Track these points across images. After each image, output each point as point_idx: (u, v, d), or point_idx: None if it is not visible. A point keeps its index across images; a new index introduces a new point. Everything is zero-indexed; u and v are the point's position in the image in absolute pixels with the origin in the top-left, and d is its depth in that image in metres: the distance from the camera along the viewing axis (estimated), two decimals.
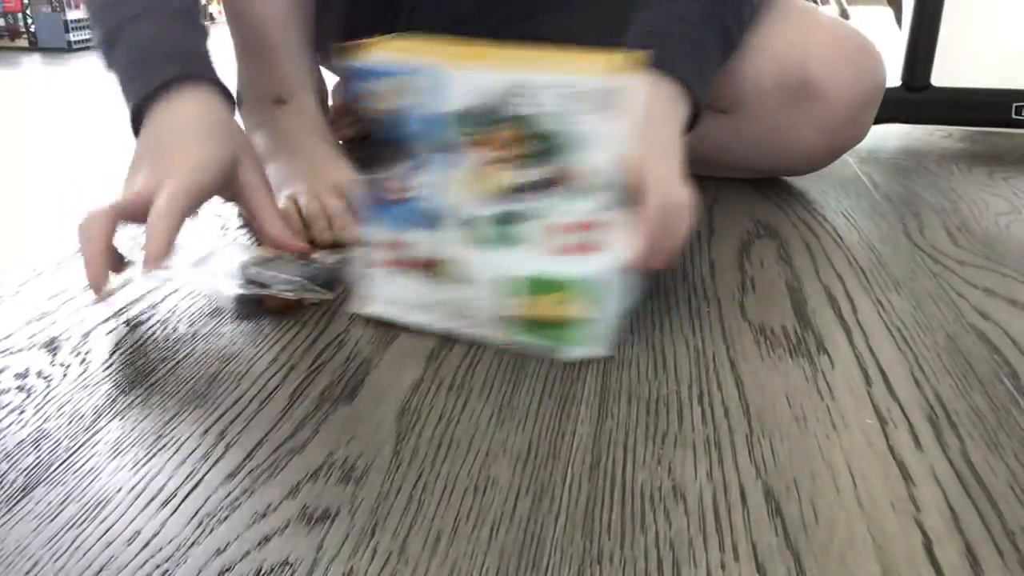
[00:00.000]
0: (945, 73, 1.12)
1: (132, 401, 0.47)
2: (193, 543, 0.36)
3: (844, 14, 2.51)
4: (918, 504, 0.38)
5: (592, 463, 0.41)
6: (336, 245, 0.68)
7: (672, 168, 0.57)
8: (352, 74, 0.53)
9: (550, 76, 0.49)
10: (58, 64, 1.99)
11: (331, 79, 1.10)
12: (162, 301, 0.60)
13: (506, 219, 0.52)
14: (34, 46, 2.33)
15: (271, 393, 0.48)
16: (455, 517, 0.38)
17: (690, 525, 0.37)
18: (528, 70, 0.50)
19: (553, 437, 0.44)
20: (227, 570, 0.34)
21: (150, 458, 0.42)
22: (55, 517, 0.38)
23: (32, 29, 2.32)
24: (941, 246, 0.72)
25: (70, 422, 0.45)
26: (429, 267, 0.54)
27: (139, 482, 0.40)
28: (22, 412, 0.46)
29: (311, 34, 0.81)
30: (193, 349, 0.53)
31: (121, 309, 0.59)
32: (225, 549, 0.35)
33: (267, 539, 0.36)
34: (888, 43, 0.90)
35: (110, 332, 0.56)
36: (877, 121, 1.02)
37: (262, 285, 0.58)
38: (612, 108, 0.49)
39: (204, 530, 0.37)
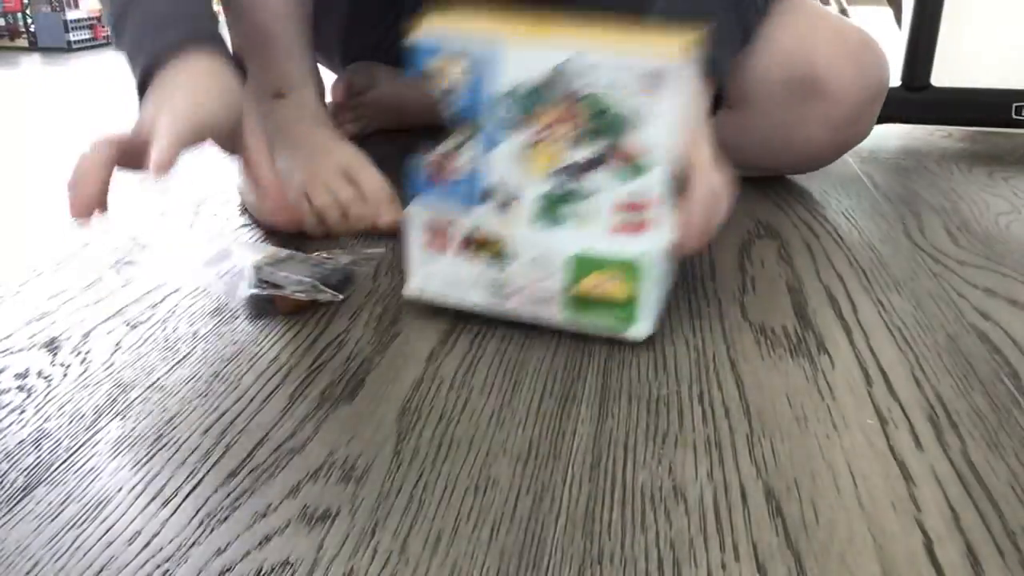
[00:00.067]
0: (945, 73, 1.12)
1: (132, 401, 0.47)
2: (193, 543, 0.36)
3: (844, 13, 2.51)
4: (919, 504, 0.38)
5: (592, 463, 0.41)
6: (354, 235, 0.69)
7: (709, 152, 0.57)
8: (410, 50, 0.53)
9: (608, 54, 0.49)
10: (58, 64, 1.99)
11: (329, 78, 1.10)
12: (162, 301, 0.60)
13: (558, 197, 0.52)
14: (34, 46, 2.33)
15: (271, 393, 0.48)
16: (455, 517, 0.38)
17: (690, 525, 0.37)
18: (586, 47, 0.50)
19: (553, 437, 0.44)
20: (227, 570, 0.34)
21: (150, 458, 0.42)
22: (56, 517, 0.38)
23: (32, 29, 2.32)
24: (941, 246, 0.72)
25: (70, 422, 0.45)
26: (480, 246, 0.53)
27: (139, 482, 0.40)
28: (22, 412, 0.46)
29: (310, 32, 0.81)
30: (193, 349, 0.53)
31: (121, 309, 0.59)
32: (225, 549, 0.35)
33: (267, 539, 0.36)
34: (888, 43, 0.90)
35: (110, 332, 0.56)
36: (877, 121, 1.02)
37: (274, 286, 0.58)
38: (668, 88, 0.49)
39: (204, 530, 0.37)
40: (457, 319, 0.57)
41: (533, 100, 0.51)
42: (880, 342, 0.54)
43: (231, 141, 0.63)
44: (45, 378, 0.50)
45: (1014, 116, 1.06)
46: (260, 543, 0.36)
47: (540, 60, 0.50)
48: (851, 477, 0.40)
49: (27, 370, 0.51)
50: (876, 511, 0.38)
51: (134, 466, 0.41)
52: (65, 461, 0.42)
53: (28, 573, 0.34)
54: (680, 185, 0.53)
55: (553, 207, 0.52)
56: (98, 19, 2.36)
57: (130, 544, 0.36)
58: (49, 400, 0.47)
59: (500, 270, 0.53)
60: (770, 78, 0.80)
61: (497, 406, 0.47)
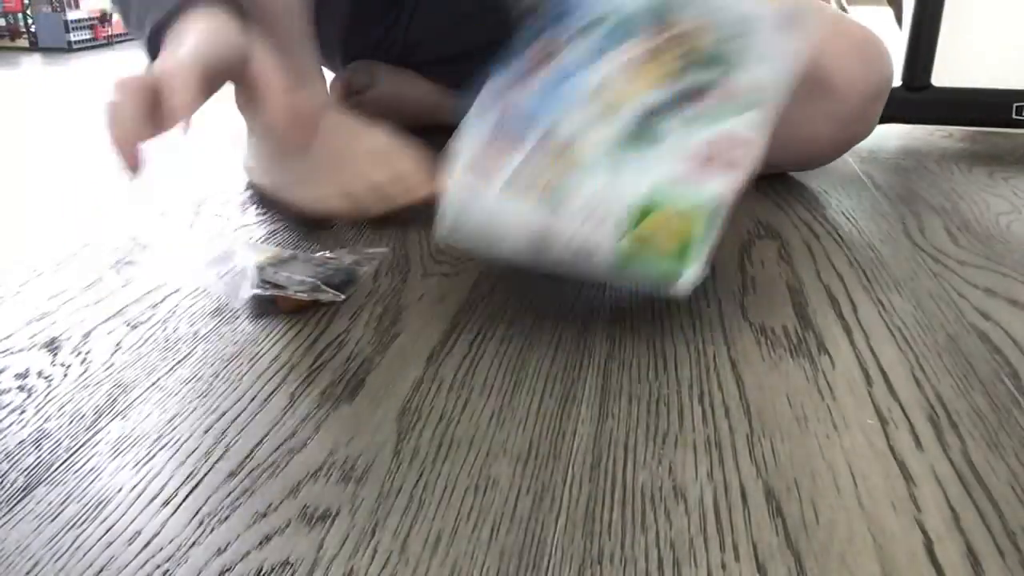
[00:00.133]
0: (945, 73, 1.12)
1: (132, 401, 0.47)
2: (193, 543, 0.36)
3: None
4: (919, 504, 0.38)
5: (592, 463, 0.41)
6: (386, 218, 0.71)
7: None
8: None
9: None
10: (58, 64, 1.99)
11: (328, 78, 1.10)
12: (162, 301, 0.60)
13: (648, 121, 0.49)
14: (34, 46, 2.33)
15: (271, 393, 0.48)
16: (455, 517, 0.38)
17: (690, 525, 0.37)
18: None
19: (553, 437, 0.44)
20: (227, 570, 0.34)
21: (150, 458, 0.42)
22: (56, 517, 0.38)
23: (32, 29, 2.32)
24: (942, 246, 0.72)
25: (71, 422, 0.45)
26: (532, 184, 0.49)
27: (139, 482, 0.40)
28: (23, 412, 0.46)
29: (312, 28, 0.81)
30: (194, 349, 0.53)
31: (121, 309, 0.59)
32: (225, 549, 0.35)
33: (267, 539, 0.36)
34: (888, 43, 0.90)
35: (110, 332, 0.56)
36: (878, 121, 1.02)
37: (276, 286, 0.58)
38: (792, 34, 0.48)
39: (204, 530, 0.37)
40: (457, 319, 0.57)
41: (651, 20, 0.48)
42: (880, 342, 0.54)
43: (243, 76, 0.61)
44: (45, 378, 0.50)
45: (1014, 116, 1.06)
46: (260, 543, 0.36)
47: None
48: (851, 477, 0.40)
49: (27, 370, 0.51)
50: (876, 511, 0.38)
51: (134, 466, 0.41)
52: (65, 461, 0.42)
53: (28, 573, 0.34)
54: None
55: (640, 130, 0.48)
56: (98, 19, 2.36)
57: (130, 544, 0.36)
58: (49, 400, 0.47)
59: (551, 212, 0.48)
60: None
61: (497, 406, 0.47)
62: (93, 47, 2.32)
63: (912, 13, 1.11)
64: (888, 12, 1.48)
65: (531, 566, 0.35)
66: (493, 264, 0.65)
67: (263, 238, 0.73)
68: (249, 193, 0.86)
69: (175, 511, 0.38)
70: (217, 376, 0.50)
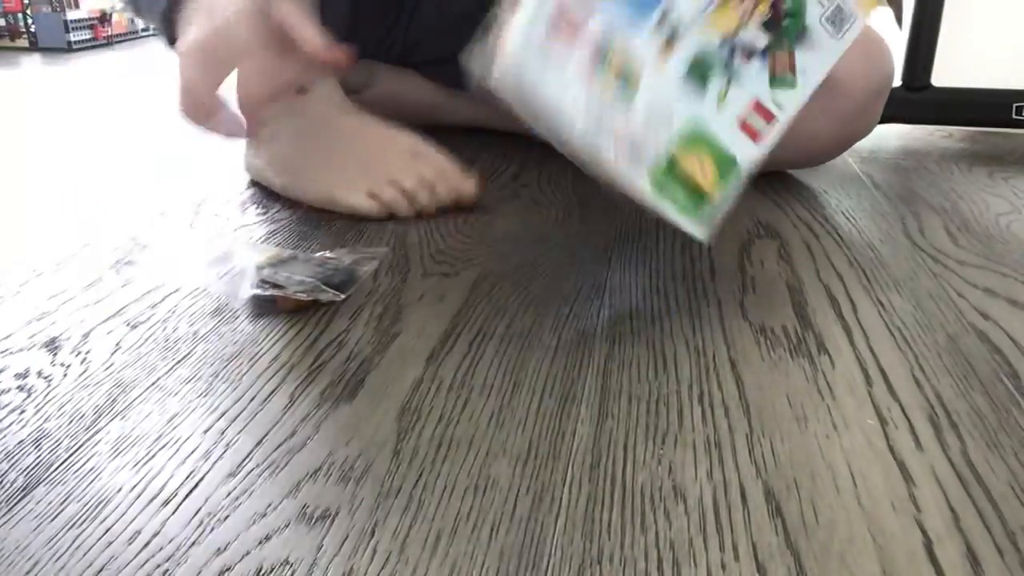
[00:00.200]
0: (945, 73, 1.12)
1: (132, 401, 0.47)
2: (193, 543, 0.36)
3: None
4: (918, 504, 0.38)
5: (592, 463, 0.41)
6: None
7: None
8: None
9: None
10: (58, 64, 1.99)
11: None
12: (162, 301, 0.60)
13: (715, 63, 0.50)
14: (34, 46, 2.33)
15: (271, 393, 0.48)
16: (455, 517, 0.38)
17: (690, 525, 0.37)
18: None
19: (553, 437, 0.44)
20: (227, 569, 0.34)
21: (150, 458, 0.42)
22: (55, 517, 0.38)
23: (32, 29, 2.32)
24: (941, 246, 0.72)
25: (70, 422, 0.45)
26: (613, 65, 0.48)
27: (139, 482, 0.40)
28: (22, 412, 0.46)
29: None
30: (194, 349, 0.53)
31: (121, 309, 0.59)
32: (225, 549, 0.35)
33: (267, 538, 0.36)
34: (888, 43, 0.90)
35: (110, 332, 0.56)
36: (878, 121, 1.02)
37: (276, 286, 0.58)
38: (851, 33, 0.50)
39: (204, 530, 0.37)
40: (457, 319, 0.57)
41: None
42: (880, 342, 0.54)
43: (270, 25, 0.62)
44: (45, 378, 0.50)
45: (1014, 116, 1.06)
46: (260, 543, 0.36)
47: None
48: (851, 477, 0.40)
49: (27, 370, 0.51)
50: (876, 511, 0.38)
51: (134, 466, 0.41)
52: (65, 461, 0.42)
53: (28, 573, 0.34)
54: None
55: (705, 70, 0.49)
56: (98, 19, 2.36)
57: (130, 544, 0.36)
58: (49, 400, 0.47)
59: (621, 99, 0.48)
60: None
61: (497, 406, 0.47)
62: (93, 47, 2.32)
63: (912, 13, 1.11)
64: (888, 12, 1.48)
65: (531, 566, 0.35)
66: (494, 260, 0.65)
67: (263, 238, 0.73)
68: (250, 193, 0.86)
69: (175, 511, 0.38)
70: (217, 376, 0.50)
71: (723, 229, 0.76)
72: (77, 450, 0.43)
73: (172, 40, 0.66)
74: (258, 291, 0.58)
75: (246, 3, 0.59)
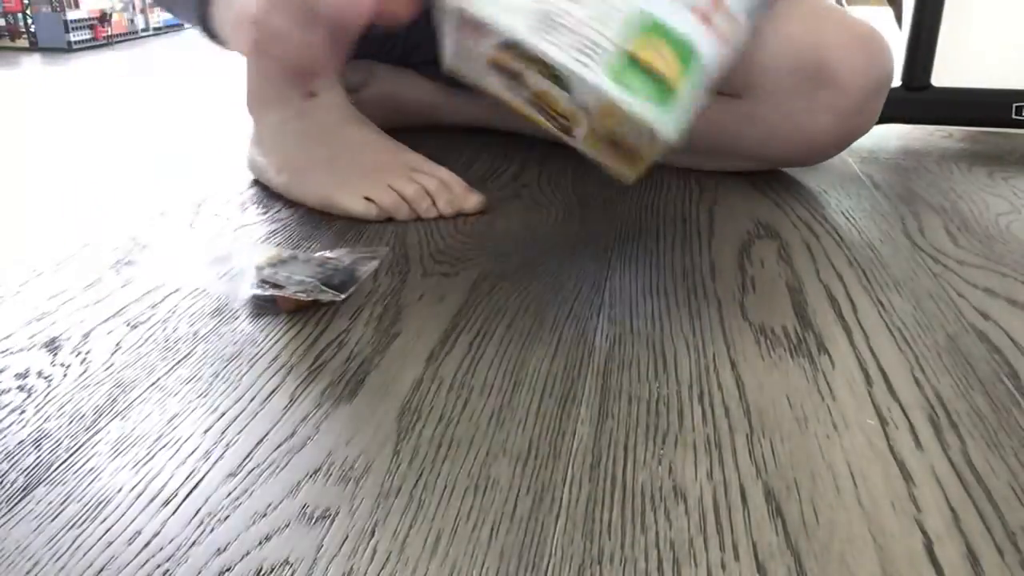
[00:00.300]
0: (945, 73, 1.12)
1: (132, 401, 0.47)
2: (193, 543, 0.36)
3: None
4: (918, 504, 0.38)
5: (592, 463, 0.41)
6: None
7: None
8: None
9: None
10: (58, 64, 1.99)
11: None
12: (162, 301, 0.60)
13: None
14: (34, 46, 2.33)
15: (271, 393, 0.48)
16: (455, 517, 0.38)
17: (690, 525, 0.37)
18: None
19: (553, 437, 0.44)
20: (227, 569, 0.34)
21: (150, 458, 0.42)
22: (56, 517, 0.38)
23: (32, 29, 2.32)
24: (941, 246, 0.72)
25: (71, 422, 0.45)
26: None
27: (139, 482, 0.40)
28: (22, 412, 0.46)
29: None
30: (194, 349, 0.53)
31: (121, 309, 0.59)
32: (225, 549, 0.35)
33: (267, 538, 0.36)
34: (888, 41, 0.90)
35: (110, 332, 0.56)
36: (878, 121, 1.02)
37: (276, 286, 0.58)
38: None
39: (204, 530, 0.37)
40: (457, 319, 0.57)
41: None
42: (880, 342, 0.54)
43: None
44: (45, 378, 0.50)
45: (1014, 116, 1.06)
46: (260, 543, 0.36)
47: None
48: (851, 477, 0.40)
49: (27, 370, 0.51)
50: (876, 511, 0.38)
51: (134, 466, 0.41)
52: (65, 461, 0.42)
53: (28, 573, 0.34)
54: None
55: None
56: (98, 19, 2.36)
57: (130, 544, 0.36)
58: (49, 400, 0.47)
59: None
60: (779, 67, 0.81)
61: (497, 406, 0.47)
62: (93, 47, 2.32)
63: (912, 13, 1.11)
64: (888, 12, 1.48)
65: (531, 566, 0.35)
66: (492, 261, 0.65)
67: (263, 238, 0.73)
68: (251, 193, 0.86)
69: (175, 511, 0.38)
70: (217, 376, 0.50)
71: (723, 229, 0.76)
72: (77, 450, 0.43)
73: (205, 23, 0.68)
74: (258, 291, 0.59)
75: None
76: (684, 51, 0.50)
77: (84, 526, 0.37)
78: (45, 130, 1.21)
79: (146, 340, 0.55)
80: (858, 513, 0.38)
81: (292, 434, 0.44)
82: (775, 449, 0.43)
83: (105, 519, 0.37)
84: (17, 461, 0.42)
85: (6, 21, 2.35)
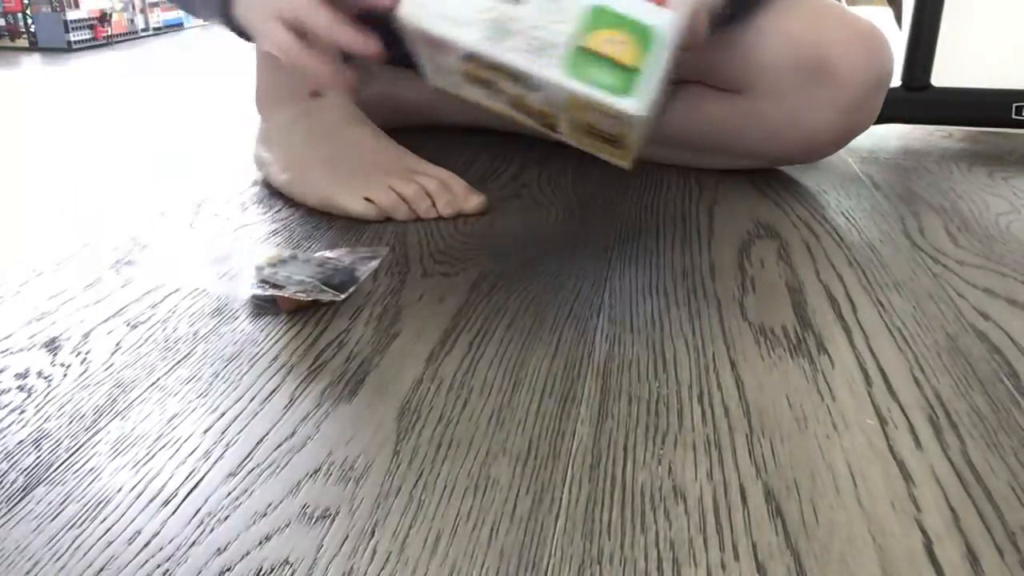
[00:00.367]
0: (945, 73, 1.12)
1: (132, 401, 0.47)
2: (193, 543, 0.36)
3: None
4: (918, 504, 0.38)
5: (592, 463, 0.41)
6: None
7: None
8: None
9: None
10: (58, 64, 1.99)
11: None
12: (162, 301, 0.60)
13: None
14: (34, 46, 2.33)
15: (271, 393, 0.48)
16: (455, 517, 0.38)
17: (690, 525, 0.37)
18: None
19: (553, 437, 0.44)
20: (227, 569, 0.34)
21: (150, 458, 0.42)
22: (56, 517, 0.38)
23: (32, 29, 2.32)
24: (941, 246, 0.72)
25: (70, 422, 0.45)
26: None
27: (139, 482, 0.40)
28: (22, 412, 0.46)
29: None
30: (194, 349, 0.53)
31: (121, 309, 0.59)
32: (225, 548, 0.36)
33: (267, 538, 0.36)
34: (888, 38, 0.90)
35: (110, 332, 0.56)
36: (877, 121, 1.02)
37: (276, 286, 0.58)
38: None
39: (204, 529, 0.37)
40: (457, 319, 0.57)
41: None
42: (880, 342, 0.54)
43: None
44: (45, 378, 0.50)
45: (1014, 116, 1.06)
46: (260, 543, 0.36)
47: None
48: (851, 477, 0.40)
49: (27, 370, 0.51)
50: (876, 511, 0.38)
51: (134, 466, 0.41)
52: (65, 461, 0.42)
53: (28, 573, 0.34)
54: None
55: None
56: (98, 19, 2.36)
57: (130, 544, 0.36)
58: (49, 400, 0.47)
59: (511, 4, 0.51)
60: (780, 64, 0.82)
61: (497, 406, 0.47)
62: (93, 47, 2.32)
63: (912, 13, 1.11)
64: (888, 12, 1.49)
65: (531, 566, 0.35)
66: (490, 261, 0.65)
67: (263, 238, 0.73)
68: (251, 193, 0.86)
69: (175, 511, 0.38)
70: (217, 376, 0.50)
71: (723, 229, 0.76)
72: (77, 450, 0.43)
73: (229, 20, 0.69)
74: (258, 291, 0.59)
75: None
76: (641, 32, 0.51)
77: (84, 526, 0.37)
78: (45, 130, 1.21)
79: (146, 340, 0.55)
80: (858, 513, 0.38)
81: (292, 434, 0.44)
82: (775, 449, 0.43)
83: (105, 519, 0.37)
84: (17, 461, 0.42)
85: (6, 21, 2.35)
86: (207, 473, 0.41)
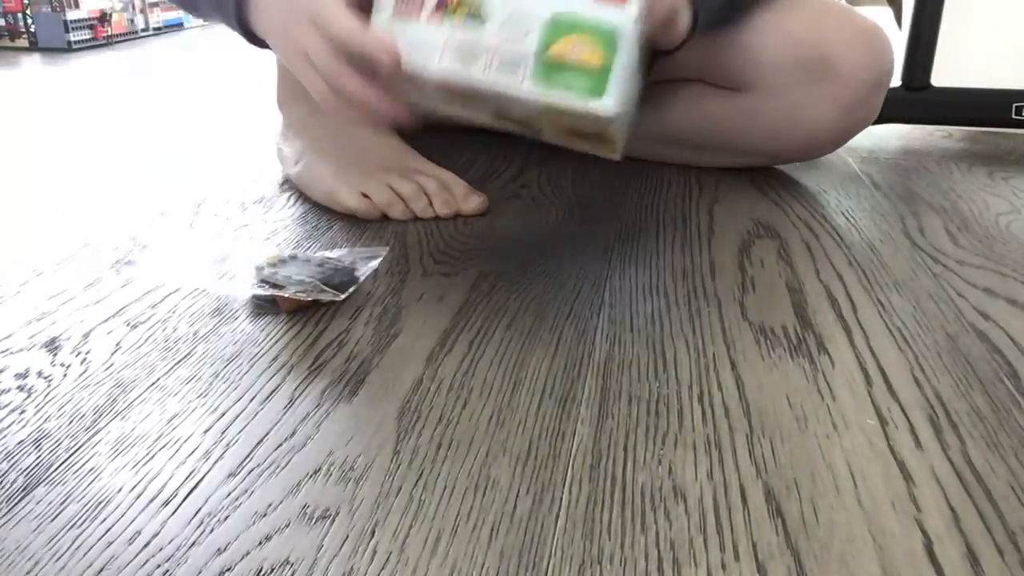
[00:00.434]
0: (945, 73, 1.12)
1: (132, 401, 0.47)
2: (193, 543, 0.36)
3: None
4: (918, 504, 0.38)
5: (592, 463, 0.41)
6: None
7: None
8: None
9: None
10: (58, 64, 1.99)
11: None
12: (162, 301, 0.60)
13: None
14: (34, 46, 2.33)
15: (271, 393, 0.48)
16: (455, 517, 0.38)
17: (690, 525, 0.37)
18: None
19: (553, 437, 0.44)
20: (227, 570, 0.34)
21: (150, 458, 0.42)
22: (56, 517, 0.38)
23: (32, 29, 2.32)
24: (941, 246, 0.72)
25: (70, 422, 0.45)
26: (456, 6, 0.54)
27: (139, 482, 0.40)
28: (22, 412, 0.46)
29: None
30: (193, 349, 0.53)
31: (121, 309, 0.59)
32: (225, 549, 0.35)
33: (267, 539, 0.36)
34: (889, 37, 0.90)
35: (110, 332, 0.56)
36: (877, 121, 1.02)
37: (276, 286, 0.58)
38: None
39: (204, 530, 0.37)
40: (457, 319, 0.57)
41: None
42: (880, 342, 0.54)
43: None
44: (45, 378, 0.50)
45: (1014, 116, 1.06)
46: (260, 543, 0.36)
47: None
48: (851, 477, 0.40)
49: (27, 370, 0.51)
50: (876, 511, 0.38)
51: (134, 466, 0.41)
52: (65, 461, 0.42)
53: (28, 573, 0.34)
54: None
55: None
56: (98, 19, 2.36)
57: (130, 544, 0.36)
58: (49, 400, 0.47)
59: (474, 29, 0.54)
60: (780, 62, 0.82)
61: (497, 406, 0.47)
62: (93, 47, 2.32)
63: (912, 13, 1.11)
64: (888, 12, 1.48)
65: (531, 566, 0.35)
66: (488, 263, 0.65)
67: (263, 238, 0.73)
68: (251, 193, 0.86)
69: (175, 511, 0.38)
70: (217, 376, 0.50)
71: (723, 229, 0.76)
72: (77, 450, 0.43)
73: (243, 25, 0.69)
74: (258, 291, 0.59)
75: None
76: (602, 33, 0.52)
77: (84, 526, 0.37)
78: (45, 130, 1.21)
79: (146, 340, 0.55)
80: (858, 513, 0.38)
81: (292, 434, 0.44)
82: (775, 449, 0.43)
83: (105, 519, 0.37)
84: (17, 461, 0.42)
85: (6, 21, 2.35)
86: (207, 473, 0.41)
